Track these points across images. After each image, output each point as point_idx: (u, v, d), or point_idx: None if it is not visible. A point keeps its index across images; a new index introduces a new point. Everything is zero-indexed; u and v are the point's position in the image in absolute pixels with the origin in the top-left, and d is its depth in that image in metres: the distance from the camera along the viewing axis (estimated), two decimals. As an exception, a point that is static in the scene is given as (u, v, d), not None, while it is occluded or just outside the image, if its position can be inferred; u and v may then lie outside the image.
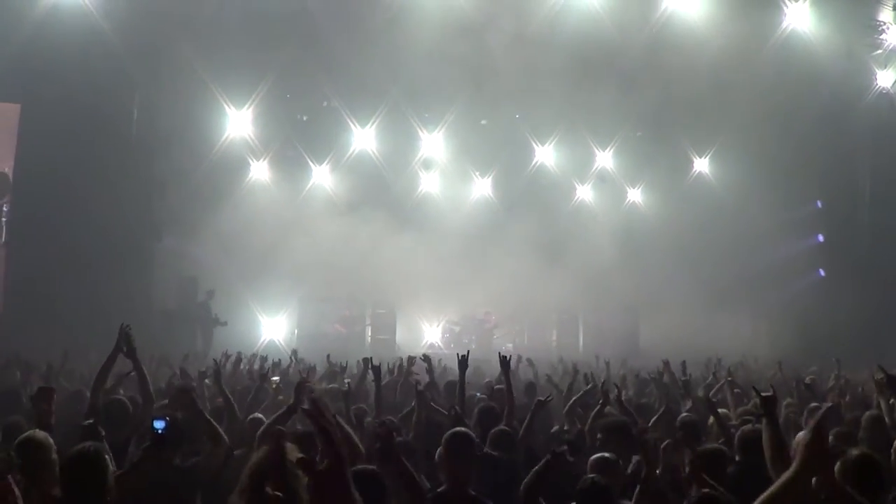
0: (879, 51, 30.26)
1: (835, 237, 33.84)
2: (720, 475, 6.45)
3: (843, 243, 33.20)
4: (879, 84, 31.75)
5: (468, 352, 10.39)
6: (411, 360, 15.30)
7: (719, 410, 10.23)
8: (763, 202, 31.42)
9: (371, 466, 5.68)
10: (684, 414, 10.38)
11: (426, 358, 14.18)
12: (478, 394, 12.65)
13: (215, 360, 13.48)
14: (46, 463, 5.59)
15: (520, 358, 19.19)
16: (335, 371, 15.98)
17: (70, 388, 11.39)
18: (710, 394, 12.79)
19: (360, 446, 6.76)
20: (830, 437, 8.14)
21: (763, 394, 6.30)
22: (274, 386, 12.60)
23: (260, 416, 9.08)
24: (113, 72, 24.30)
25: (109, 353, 9.04)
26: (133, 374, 9.34)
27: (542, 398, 9.83)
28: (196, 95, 27.65)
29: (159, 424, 6.33)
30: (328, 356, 17.28)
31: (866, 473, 5.72)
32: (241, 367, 16.48)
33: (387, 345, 29.65)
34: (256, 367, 16.22)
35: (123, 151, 25.71)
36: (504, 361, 10.06)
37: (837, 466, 5.38)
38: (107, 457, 5.28)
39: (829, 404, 10.71)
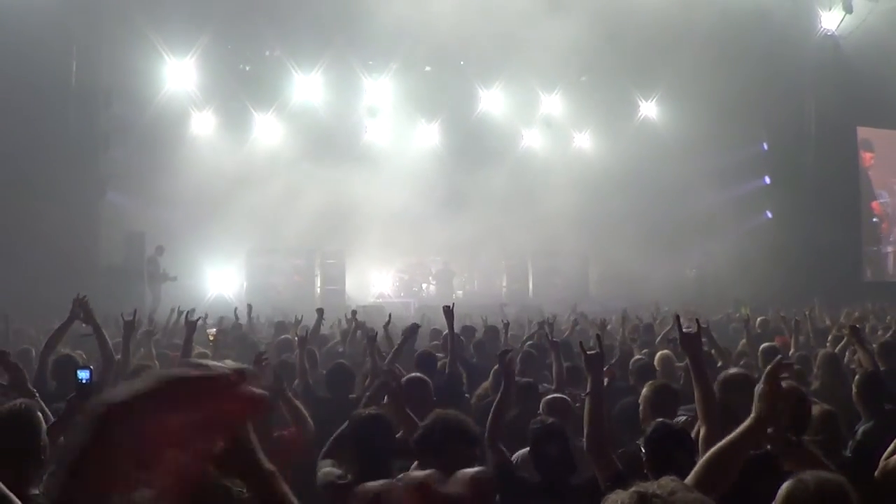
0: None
1: (781, 178, 34.09)
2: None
3: (789, 184, 33.48)
4: (824, 26, 31.95)
5: (453, 304, 10.37)
6: (354, 313, 15.29)
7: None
8: (709, 145, 31.58)
9: (380, 412, 5.93)
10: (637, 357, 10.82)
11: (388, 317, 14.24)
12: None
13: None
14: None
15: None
16: (284, 324, 15.99)
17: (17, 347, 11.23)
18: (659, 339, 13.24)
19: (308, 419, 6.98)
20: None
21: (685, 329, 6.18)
22: (211, 338, 12.51)
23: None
24: (51, 24, 23.81)
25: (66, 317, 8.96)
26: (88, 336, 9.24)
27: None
28: (136, 46, 27.10)
29: (83, 374, 6.21)
30: (276, 323, 17.13)
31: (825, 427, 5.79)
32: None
33: (337, 295, 29.51)
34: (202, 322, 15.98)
35: (64, 105, 25.36)
36: (448, 311, 10.11)
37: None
38: (40, 414, 5.10)
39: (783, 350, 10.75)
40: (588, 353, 5.98)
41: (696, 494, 2.45)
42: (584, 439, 5.63)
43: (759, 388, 3.90)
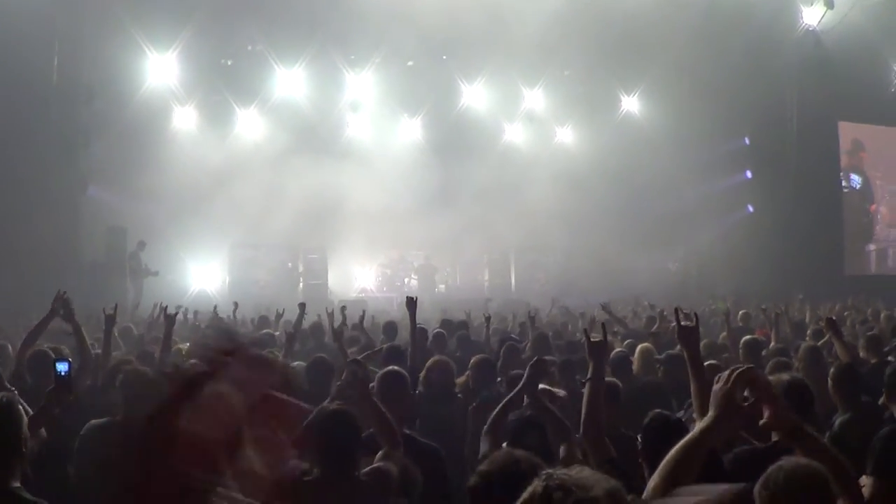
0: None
1: (762, 173, 34.18)
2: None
3: (770, 179, 33.56)
4: (806, 21, 32.00)
5: (416, 298, 10.28)
6: (343, 309, 15.24)
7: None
8: (691, 139, 31.66)
9: (345, 406, 5.81)
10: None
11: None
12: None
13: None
14: None
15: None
16: (266, 318, 16.01)
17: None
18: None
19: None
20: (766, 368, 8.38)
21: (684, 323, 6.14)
22: (183, 352, 12.37)
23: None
24: (33, 19, 23.66)
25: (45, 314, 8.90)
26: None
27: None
28: (118, 41, 26.96)
29: (62, 367, 6.13)
30: (254, 319, 17.08)
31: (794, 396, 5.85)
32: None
33: (319, 290, 29.48)
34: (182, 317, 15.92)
35: (45, 100, 25.20)
36: (410, 303, 10.10)
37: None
38: (20, 407, 5.07)
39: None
40: (592, 340, 6.02)
41: (604, 479, 2.48)
42: (581, 423, 5.71)
43: (717, 387, 3.90)
